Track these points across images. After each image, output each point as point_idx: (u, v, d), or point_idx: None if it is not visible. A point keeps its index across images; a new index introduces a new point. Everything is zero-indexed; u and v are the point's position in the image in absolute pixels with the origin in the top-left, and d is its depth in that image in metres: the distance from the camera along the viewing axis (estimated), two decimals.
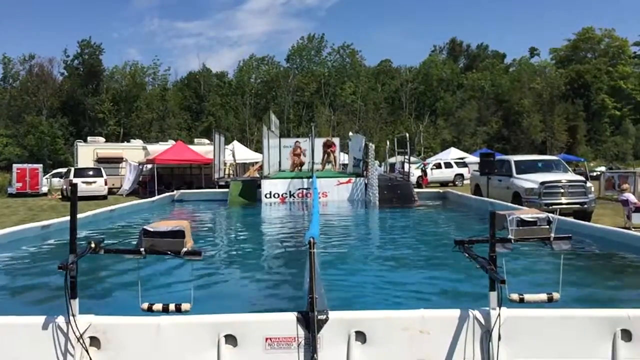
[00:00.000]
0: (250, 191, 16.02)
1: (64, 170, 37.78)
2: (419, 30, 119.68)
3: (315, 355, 3.16)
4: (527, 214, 3.89)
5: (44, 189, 33.94)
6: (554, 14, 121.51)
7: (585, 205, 16.32)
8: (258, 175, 20.47)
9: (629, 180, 22.48)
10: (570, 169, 20.80)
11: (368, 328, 3.29)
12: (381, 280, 6.03)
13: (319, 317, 3.21)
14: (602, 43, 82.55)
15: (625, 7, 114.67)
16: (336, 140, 22.52)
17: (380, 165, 21.04)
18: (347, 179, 15.91)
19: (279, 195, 15.34)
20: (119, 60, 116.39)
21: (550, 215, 3.77)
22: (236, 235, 10.85)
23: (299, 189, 15.37)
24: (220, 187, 19.79)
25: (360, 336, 3.28)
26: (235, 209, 15.27)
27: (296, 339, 3.24)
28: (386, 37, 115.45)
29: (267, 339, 3.24)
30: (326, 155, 20.97)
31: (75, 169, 31.63)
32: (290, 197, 15.33)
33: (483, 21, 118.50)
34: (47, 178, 36.67)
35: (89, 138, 38.50)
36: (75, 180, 26.41)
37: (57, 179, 36.73)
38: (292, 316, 3.28)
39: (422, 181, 35.65)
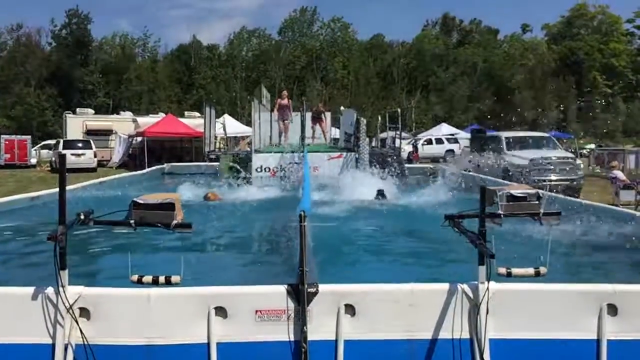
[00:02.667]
0: (241, 165, 15.97)
1: (52, 142, 37.51)
2: (411, 4, 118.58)
3: (304, 328, 3.18)
4: (517, 189, 3.91)
5: (33, 161, 33.74)
6: None
7: (574, 182, 16.49)
8: (249, 149, 19.94)
9: (617, 158, 22.69)
10: (560, 145, 20.91)
11: (357, 301, 3.32)
12: (371, 252, 6.08)
13: (308, 290, 3.23)
14: (595, 20, 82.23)
15: None
16: (327, 115, 22.24)
17: (371, 142, 20.89)
18: (338, 153, 15.88)
19: (269, 169, 15.30)
20: (109, 30, 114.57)
21: (540, 191, 3.79)
22: (227, 209, 10.83)
23: (290, 163, 15.33)
24: (211, 160, 19.70)
25: (350, 309, 3.31)
26: (226, 182, 15.22)
27: (286, 311, 3.26)
28: (379, 10, 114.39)
29: (257, 311, 3.26)
30: (313, 131, 20.80)
31: (64, 141, 31.46)
32: (281, 171, 15.30)
33: None
34: (35, 150, 36.41)
35: (78, 110, 38.19)
36: (64, 152, 26.19)
37: (46, 150, 36.49)
38: (282, 289, 3.30)
39: (412, 157, 35.73)
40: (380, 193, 10.92)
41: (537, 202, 3.76)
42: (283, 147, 17.22)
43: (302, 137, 16.62)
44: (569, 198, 9.05)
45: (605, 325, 3.33)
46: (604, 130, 69.24)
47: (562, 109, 66.72)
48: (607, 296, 3.37)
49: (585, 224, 7.33)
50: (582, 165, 17.83)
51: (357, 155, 15.26)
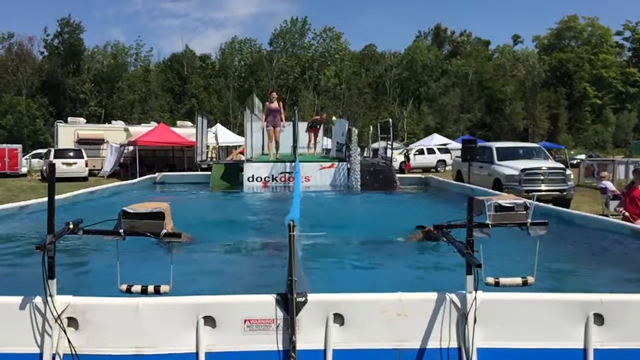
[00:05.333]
0: (233, 175, 15.95)
1: (43, 151, 37.39)
2: (404, 15, 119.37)
3: (293, 337, 3.19)
4: (505, 199, 3.95)
5: (24, 170, 33.59)
6: (540, 2, 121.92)
7: (565, 192, 16.62)
8: (241, 159, 19.64)
9: (608, 168, 22.87)
10: (550, 156, 21.06)
11: (346, 310, 3.32)
12: (360, 261, 6.09)
13: (297, 299, 3.23)
14: (585, 32, 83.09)
15: None
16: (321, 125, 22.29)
17: (363, 152, 20.93)
18: (330, 163, 15.91)
19: (261, 179, 15.29)
20: (103, 40, 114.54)
21: (527, 201, 3.83)
22: (217, 218, 10.83)
23: (282, 173, 15.32)
24: (203, 170, 19.67)
25: (339, 318, 3.31)
26: (217, 192, 15.23)
27: (275, 320, 3.26)
28: (371, 21, 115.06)
29: (245, 320, 3.26)
30: (313, 139, 20.84)
31: (55, 150, 31.35)
32: (272, 181, 15.30)
33: (468, 7, 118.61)
34: (26, 159, 36.26)
35: (69, 119, 38.07)
36: (55, 161, 26.05)
37: (37, 159, 36.36)
38: (271, 298, 3.30)
39: (404, 167, 35.87)
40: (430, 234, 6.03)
41: (524, 212, 3.79)
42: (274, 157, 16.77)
43: (295, 147, 16.61)
44: (558, 208, 9.11)
45: (592, 334, 3.35)
46: (595, 141, 69.86)
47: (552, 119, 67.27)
48: (594, 305, 3.39)
49: (575, 234, 7.39)
50: (572, 176, 17.95)
51: (348, 166, 15.31)
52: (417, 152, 41.54)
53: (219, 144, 35.01)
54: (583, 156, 45.72)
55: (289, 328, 3.22)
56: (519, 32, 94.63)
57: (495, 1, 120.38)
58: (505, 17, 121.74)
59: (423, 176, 18.23)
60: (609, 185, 16.14)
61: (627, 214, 10.85)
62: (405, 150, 40.78)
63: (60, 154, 30.12)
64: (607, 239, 6.93)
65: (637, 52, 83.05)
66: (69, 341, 3.17)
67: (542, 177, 16.83)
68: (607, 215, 12.43)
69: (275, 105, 16.84)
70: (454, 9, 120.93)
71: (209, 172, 16.79)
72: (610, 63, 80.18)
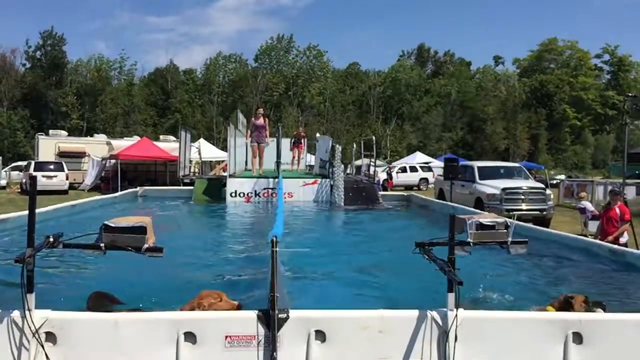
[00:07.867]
0: (216, 190, 15.92)
1: (23, 163, 36.93)
2: (388, 34, 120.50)
3: (274, 354, 3.18)
4: (486, 218, 3.99)
5: (2, 182, 33.10)
6: (521, 24, 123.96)
7: (545, 212, 16.81)
8: (224, 174, 19.46)
9: (587, 189, 23.11)
10: (530, 176, 21.30)
11: (328, 327, 3.32)
12: (342, 277, 6.09)
13: (279, 315, 3.23)
14: (564, 54, 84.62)
15: (589, 20, 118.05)
16: (304, 141, 22.36)
17: (346, 169, 20.91)
18: (313, 180, 15.95)
19: (244, 194, 15.27)
20: (87, 53, 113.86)
21: (508, 220, 3.88)
22: (199, 233, 10.77)
23: (265, 189, 15.32)
24: (185, 184, 19.58)
25: (320, 335, 3.31)
26: (200, 207, 15.16)
27: (256, 337, 3.25)
28: (356, 40, 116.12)
29: (227, 336, 3.24)
30: (296, 153, 20.89)
31: (35, 163, 30.96)
32: (255, 196, 15.28)
33: (451, 28, 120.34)
34: (5, 171, 35.77)
35: (50, 131, 37.70)
36: (35, 174, 25.76)
37: (17, 172, 35.87)
38: (252, 314, 3.29)
39: (387, 184, 35.98)
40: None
41: (505, 230, 3.83)
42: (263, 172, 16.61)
43: (278, 163, 16.61)
44: (538, 228, 9.21)
45: (570, 353, 3.38)
46: (574, 161, 70.87)
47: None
48: (573, 324, 3.43)
49: (555, 253, 7.47)
50: (552, 196, 18.17)
51: (332, 182, 15.36)
52: (400, 170, 41.73)
53: (202, 159, 34.89)
54: (563, 176, 46.30)
55: (270, 344, 3.21)
56: (500, 52, 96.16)
57: (477, 22, 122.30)
58: (488, 38, 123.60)
59: (405, 194, 18.33)
60: (588, 205, 16.34)
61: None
62: (387, 168, 40.93)
63: (41, 166, 29.76)
64: (586, 258, 7.02)
65: (616, 75, 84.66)
66: (47, 356, 3.12)
67: (522, 197, 17.02)
68: (586, 235, 12.56)
69: (260, 121, 16.76)
70: (438, 29, 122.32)
71: (192, 187, 16.73)
72: (589, 85, 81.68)
